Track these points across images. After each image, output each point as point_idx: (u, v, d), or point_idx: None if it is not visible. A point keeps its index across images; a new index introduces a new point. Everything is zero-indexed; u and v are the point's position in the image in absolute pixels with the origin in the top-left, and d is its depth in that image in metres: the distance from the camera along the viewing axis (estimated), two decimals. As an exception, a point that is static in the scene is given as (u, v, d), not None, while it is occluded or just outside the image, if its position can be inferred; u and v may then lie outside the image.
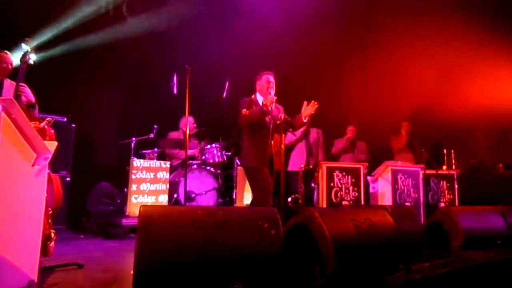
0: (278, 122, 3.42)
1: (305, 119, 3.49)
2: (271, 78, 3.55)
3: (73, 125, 4.65)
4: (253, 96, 3.54)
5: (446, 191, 5.30)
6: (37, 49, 2.99)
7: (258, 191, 3.41)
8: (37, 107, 2.85)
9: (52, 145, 2.16)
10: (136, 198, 4.33)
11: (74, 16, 5.19)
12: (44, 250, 2.21)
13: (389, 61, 6.44)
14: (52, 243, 2.30)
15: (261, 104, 3.48)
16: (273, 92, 3.48)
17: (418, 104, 6.23)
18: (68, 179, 4.49)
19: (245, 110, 3.38)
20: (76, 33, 5.20)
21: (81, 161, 4.94)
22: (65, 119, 4.58)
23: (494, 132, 6.19)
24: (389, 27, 6.42)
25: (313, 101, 3.47)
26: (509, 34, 5.72)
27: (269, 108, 3.39)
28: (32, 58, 2.79)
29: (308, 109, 3.46)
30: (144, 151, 4.85)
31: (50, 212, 2.36)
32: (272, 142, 3.57)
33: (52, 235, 2.30)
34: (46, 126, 2.42)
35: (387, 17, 6.44)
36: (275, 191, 3.42)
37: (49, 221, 2.33)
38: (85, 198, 4.82)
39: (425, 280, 2.22)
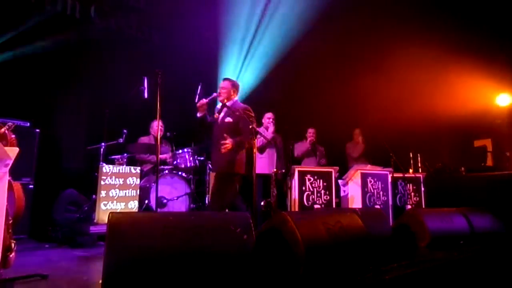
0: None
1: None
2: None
3: (37, 130, 4.45)
4: None
5: (412, 194, 5.48)
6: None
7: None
8: None
9: (13, 151, 2.06)
10: (105, 205, 4.20)
11: (37, 17, 5.01)
12: (4, 262, 2.09)
13: (355, 70, 6.63)
14: (13, 254, 2.18)
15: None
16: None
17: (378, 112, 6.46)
18: (31, 186, 4.28)
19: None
20: (39, 35, 5.02)
21: (46, 168, 4.72)
22: (28, 124, 4.37)
23: (457, 138, 6.48)
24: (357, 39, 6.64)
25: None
26: (471, 43, 6.03)
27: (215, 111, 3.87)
28: None
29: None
30: (114, 157, 4.71)
31: (11, 222, 2.24)
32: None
33: (13, 245, 2.19)
34: (6, 132, 2.32)
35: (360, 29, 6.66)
36: (247, 196, 3.41)
37: (10, 230, 2.21)
38: (50, 206, 4.61)
39: (393, 280, 2.28)
